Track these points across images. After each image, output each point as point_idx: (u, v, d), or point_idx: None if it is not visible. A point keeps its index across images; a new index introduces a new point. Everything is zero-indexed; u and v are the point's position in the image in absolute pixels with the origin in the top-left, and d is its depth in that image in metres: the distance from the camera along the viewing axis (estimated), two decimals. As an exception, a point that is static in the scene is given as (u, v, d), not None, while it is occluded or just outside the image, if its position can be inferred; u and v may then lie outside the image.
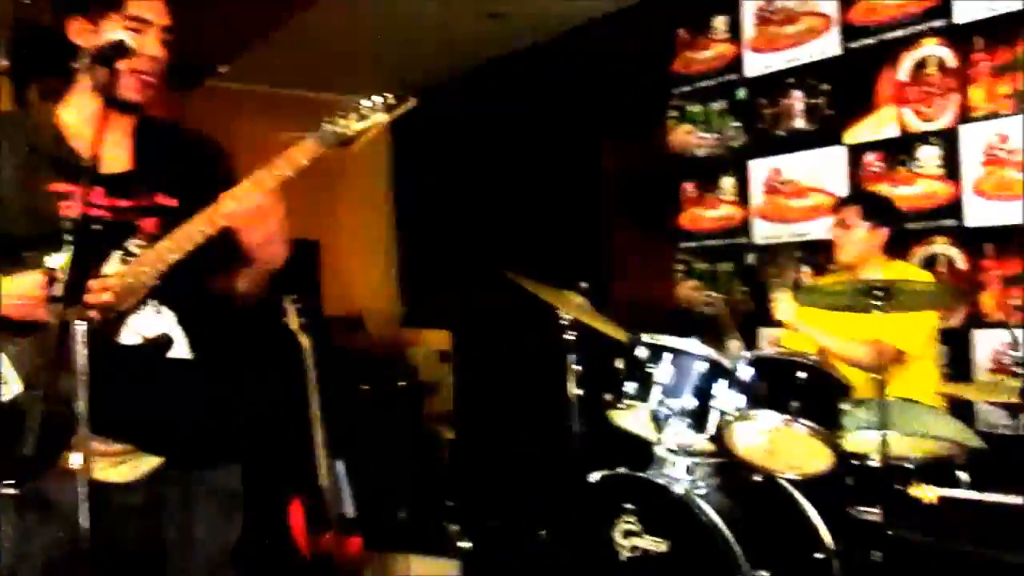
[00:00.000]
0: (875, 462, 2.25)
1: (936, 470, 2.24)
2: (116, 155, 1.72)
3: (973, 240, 3.37)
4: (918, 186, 3.51)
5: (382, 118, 1.70)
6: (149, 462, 1.65)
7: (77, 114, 1.71)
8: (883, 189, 3.59)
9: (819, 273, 3.68)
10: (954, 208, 3.41)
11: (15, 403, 1.55)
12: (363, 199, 6.69)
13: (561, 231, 5.23)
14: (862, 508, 2.22)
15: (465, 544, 2.98)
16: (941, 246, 3.46)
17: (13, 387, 1.57)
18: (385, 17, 4.80)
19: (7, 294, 1.55)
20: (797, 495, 2.37)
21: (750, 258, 4.16)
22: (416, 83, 6.31)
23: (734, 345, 4.28)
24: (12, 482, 1.52)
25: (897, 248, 3.42)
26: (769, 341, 3.74)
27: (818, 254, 3.80)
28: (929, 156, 3.48)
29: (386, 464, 4.53)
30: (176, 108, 4.99)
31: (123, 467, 1.63)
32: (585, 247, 5.06)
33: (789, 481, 2.38)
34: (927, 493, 1.63)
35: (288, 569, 2.97)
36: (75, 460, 1.44)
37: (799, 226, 3.94)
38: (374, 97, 1.72)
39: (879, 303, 2.15)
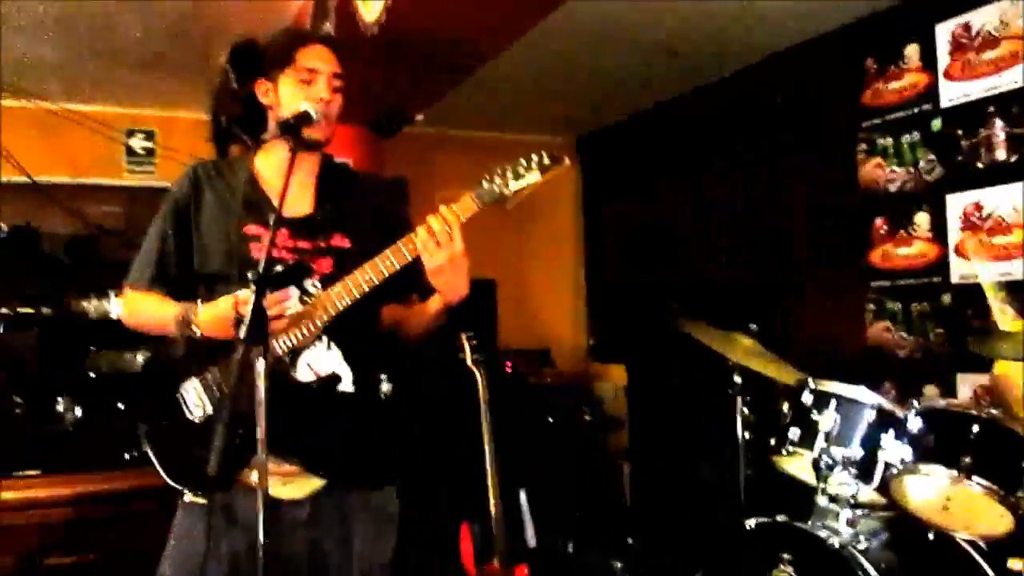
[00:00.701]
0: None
1: None
2: (300, 199, 1.93)
3: None
4: None
5: (536, 178, 1.80)
6: (314, 482, 1.84)
7: (269, 164, 1.95)
8: (1100, 225, 3.27)
9: (1025, 316, 3.40)
10: None
11: (208, 422, 1.79)
12: (555, 233, 6.87)
13: (750, 267, 5.12)
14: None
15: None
16: None
17: (205, 409, 1.80)
18: (566, 60, 4.95)
19: (208, 318, 1.78)
20: (978, 558, 2.21)
21: (946, 298, 3.90)
22: (600, 121, 6.48)
23: (930, 392, 4.03)
24: (202, 493, 1.77)
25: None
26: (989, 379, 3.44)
27: (1024, 295, 3.52)
28: None
29: (563, 496, 4.62)
30: (379, 154, 5.43)
31: (292, 485, 1.82)
32: (773, 284, 4.92)
33: (969, 542, 2.22)
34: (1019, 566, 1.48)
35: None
36: (254, 477, 1.63)
37: (1002, 265, 3.64)
38: (532, 156, 1.82)
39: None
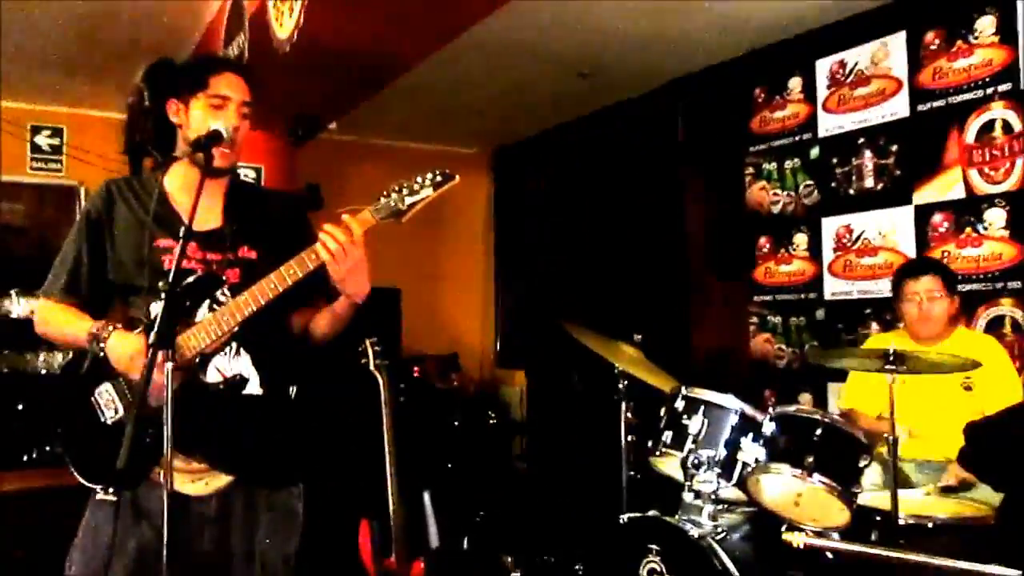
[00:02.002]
0: (903, 519, 2.35)
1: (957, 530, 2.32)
2: (209, 214, 2.04)
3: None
4: (984, 247, 3.54)
5: (429, 193, 1.96)
6: (222, 479, 1.96)
7: (178, 181, 2.06)
8: (950, 250, 3.64)
9: (886, 331, 3.73)
10: (1020, 270, 3.43)
11: (120, 424, 1.89)
12: (466, 243, 7.05)
13: (647, 280, 5.39)
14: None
15: (516, 574, 3.19)
16: (1007, 308, 3.48)
17: (117, 412, 1.91)
18: (482, 75, 5.13)
19: (119, 354, 1.88)
20: (821, 545, 2.47)
21: (820, 313, 4.24)
22: (513, 135, 6.69)
23: (805, 399, 4.37)
24: (113, 490, 1.87)
25: (963, 309, 3.48)
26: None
27: (886, 311, 3.87)
28: (995, 218, 3.51)
29: (466, 497, 4.79)
30: (292, 160, 5.50)
31: (200, 482, 1.94)
32: (669, 297, 5.20)
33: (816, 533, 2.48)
34: (796, 539, 1.74)
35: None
36: (161, 475, 1.75)
37: (868, 284, 4.00)
38: (427, 173, 1.99)
39: (893, 367, 2.27)
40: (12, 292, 4.90)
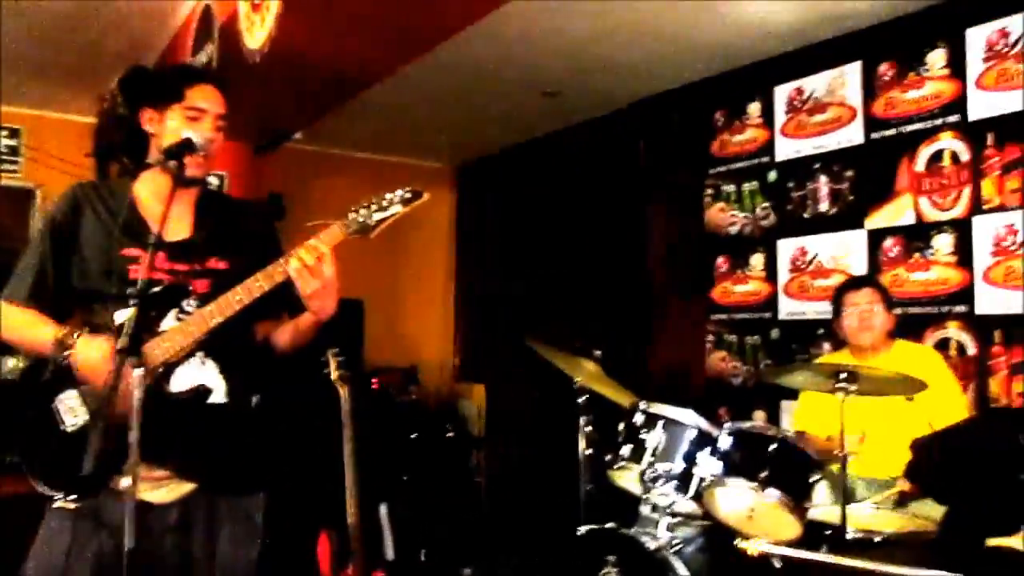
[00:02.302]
0: (852, 533, 2.42)
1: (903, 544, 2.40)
2: (179, 224, 2.05)
3: (983, 326, 3.51)
4: (932, 272, 3.67)
5: (398, 210, 2.00)
6: (184, 487, 1.97)
7: (148, 189, 2.06)
8: (900, 274, 3.77)
9: (836, 351, 3.84)
10: (966, 295, 3.56)
11: (81, 432, 1.89)
12: (428, 256, 7.06)
13: (608, 297, 5.46)
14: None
15: (473, 586, 3.22)
16: (953, 331, 3.60)
17: (80, 418, 1.91)
18: (448, 91, 5.18)
19: (86, 358, 1.88)
20: (775, 562, 2.54)
21: (775, 332, 4.34)
22: (478, 150, 6.75)
23: (759, 416, 4.46)
24: (73, 497, 1.87)
25: (911, 331, 3.61)
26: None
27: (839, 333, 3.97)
28: (942, 244, 3.64)
29: (424, 510, 4.80)
30: (257, 169, 5.49)
31: (162, 490, 1.94)
32: (630, 314, 5.27)
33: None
34: (751, 547, 1.81)
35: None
36: (124, 482, 1.75)
37: (821, 304, 4.10)
38: (396, 190, 2.02)
39: (844, 386, 2.35)
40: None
